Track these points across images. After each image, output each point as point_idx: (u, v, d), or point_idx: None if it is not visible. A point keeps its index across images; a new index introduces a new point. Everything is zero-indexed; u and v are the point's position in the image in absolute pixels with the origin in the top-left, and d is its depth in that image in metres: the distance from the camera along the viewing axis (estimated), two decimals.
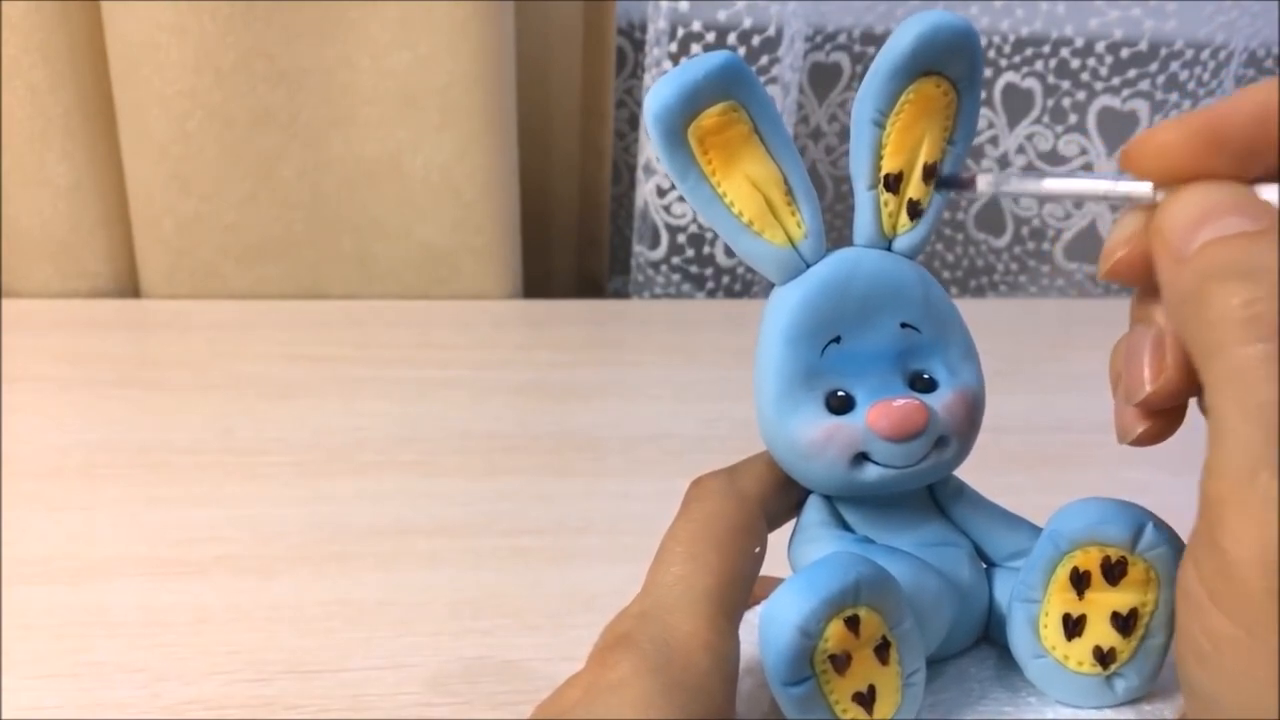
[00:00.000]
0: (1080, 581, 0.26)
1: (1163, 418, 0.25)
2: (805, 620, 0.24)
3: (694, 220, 0.82)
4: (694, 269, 0.84)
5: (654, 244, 0.83)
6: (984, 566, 0.29)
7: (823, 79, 0.87)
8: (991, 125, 0.87)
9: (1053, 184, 0.25)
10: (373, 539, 0.53)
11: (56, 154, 0.76)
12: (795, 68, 0.81)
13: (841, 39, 0.85)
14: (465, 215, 0.79)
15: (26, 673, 0.45)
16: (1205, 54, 0.85)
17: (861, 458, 0.27)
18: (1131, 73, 0.85)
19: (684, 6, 0.76)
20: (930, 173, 0.28)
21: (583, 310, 0.84)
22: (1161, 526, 0.26)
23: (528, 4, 0.80)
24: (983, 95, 0.40)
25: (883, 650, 0.25)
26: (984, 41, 0.84)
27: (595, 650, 0.25)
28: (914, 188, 0.28)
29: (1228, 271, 0.20)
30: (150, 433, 0.62)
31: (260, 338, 0.74)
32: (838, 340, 0.27)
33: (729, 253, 0.83)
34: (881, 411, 0.26)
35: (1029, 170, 0.24)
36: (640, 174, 0.81)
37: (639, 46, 0.85)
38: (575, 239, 0.91)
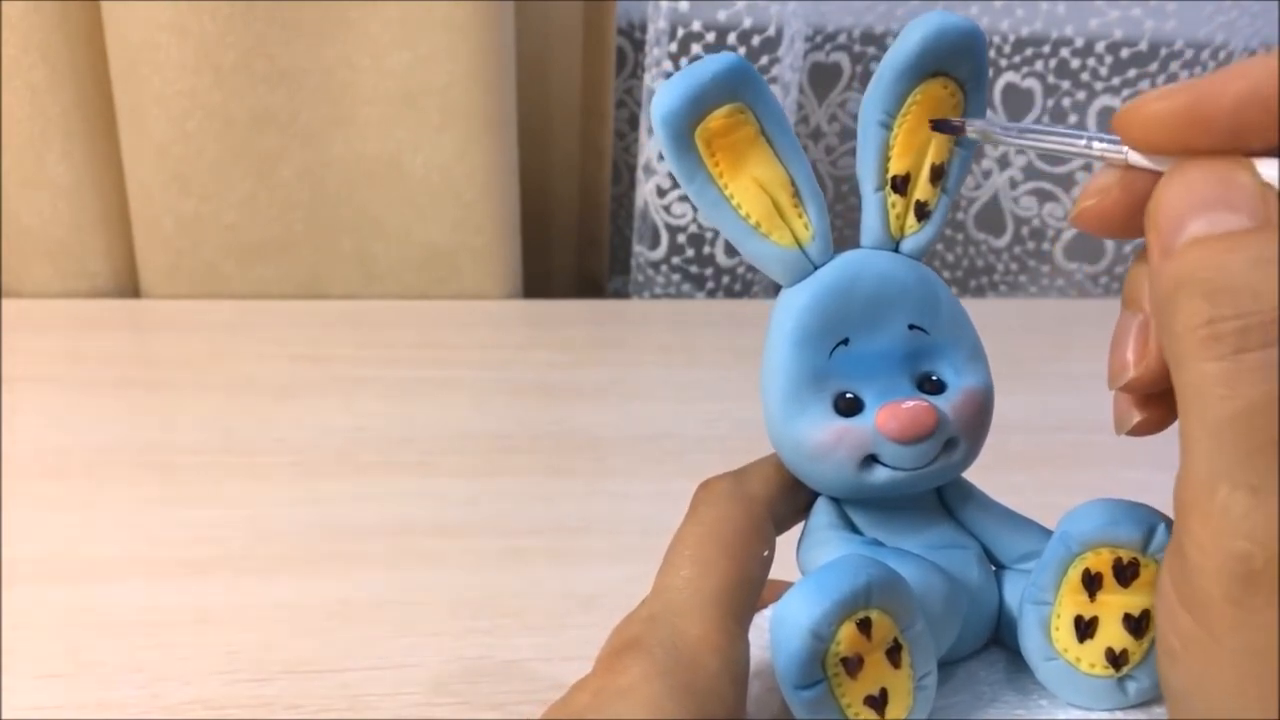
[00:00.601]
0: (1092, 583, 0.26)
1: (1159, 408, 0.25)
2: (817, 623, 0.24)
3: (694, 220, 0.82)
4: (694, 269, 0.84)
5: (654, 244, 0.83)
6: (993, 569, 0.29)
7: (823, 79, 0.87)
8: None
9: (1035, 138, 0.25)
10: (373, 539, 0.53)
11: (56, 154, 0.75)
12: (795, 68, 0.81)
13: (841, 39, 0.85)
14: (465, 215, 0.79)
15: (26, 673, 0.45)
16: (1205, 54, 0.85)
17: (870, 460, 0.27)
18: (1131, 73, 0.85)
19: (684, 6, 0.75)
20: (938, 174, 0.28)
21: (583, 310, 0.84)
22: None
23: (528, 4, 0.80)
24: None
25: (894, 653, 0.25)
26: None
27: (604, 654, 0.25)
28: (921, 189, 0.28)
29: (1197, 286, 0.20)
30: (150, 433, 0.62)
31: (260, 338, 0.74)
32: (846, 342, 0.27)
33: (729, 253, 0.83)
34: (890, 413, 0.26)
35: (1014, 125, 0.25)
36: (640, 174, 0.81)
37: (639, 46, 0.85)
38: (575, 239, 0.91)
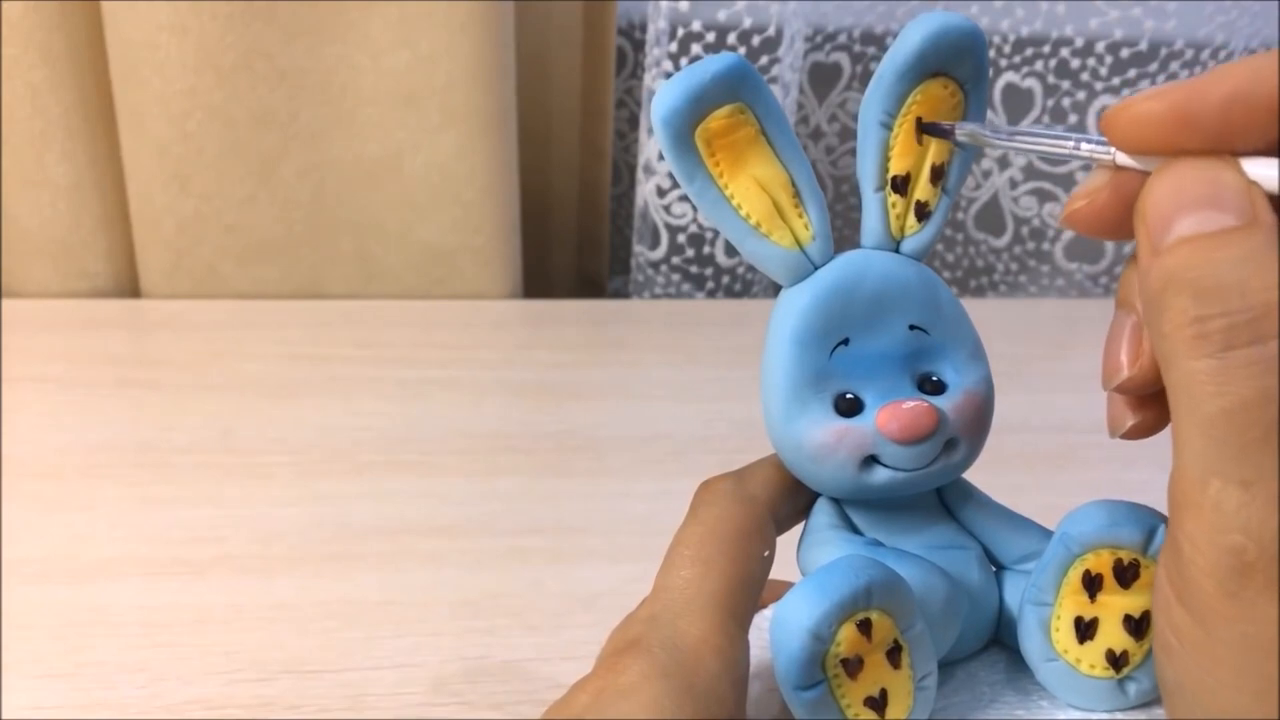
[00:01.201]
0: (1092, 584, 0.26)
1: (1153, 410, 0.25)
2: (817, 624, 0.24)
3: (694, 220, 0.82)
4: (694, 269, 0.84)
5: (654, 244, 0.83)
6: (993, 569, 0.29)
7: (823, 79, 0.87)
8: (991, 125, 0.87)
9: (1024, 140, 0.26)
10: (373, 539, 0.53)
11: (56, 154, 0.75)
12: (795, 68, 0.81)
13: (841, 39, 0.85)
14: (465, 215, 0.79)
15: (26, 673, 0.45)
16: (1205, 54, 0.85)
17: (871, 460, 0.27)
18: (1131, 73, 0.85)
19: (684, 6, 0.75)
20: (938, 174, 0.28)
21: (583, 310, 0.84)
22: None
23: (528, 4, 0.80)
24: None
25: (894, 654, 0.25)
26: None
27: (604, 654, 0.25)
28: (922, 189, 0.28)
29: (1185, 284, 0.21)
30: (150, 433, 0.62)
31: (260, 338, 0.74)
32: (846, 342, 0.27)
33: (729, 253, 0.83)
34: (891, 414, 0.26)
35: (1004, 128, 0.25)
36: (640, 174, 0.81)
37: (639, 46, 0.85)
38: (575, 239, 0.91)
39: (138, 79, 0.73)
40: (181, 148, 0.74)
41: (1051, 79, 0.86)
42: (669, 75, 0.77)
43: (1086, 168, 0.87)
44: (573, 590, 0.51)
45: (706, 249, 0.83)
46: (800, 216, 0.28)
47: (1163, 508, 0.26)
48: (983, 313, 0.30)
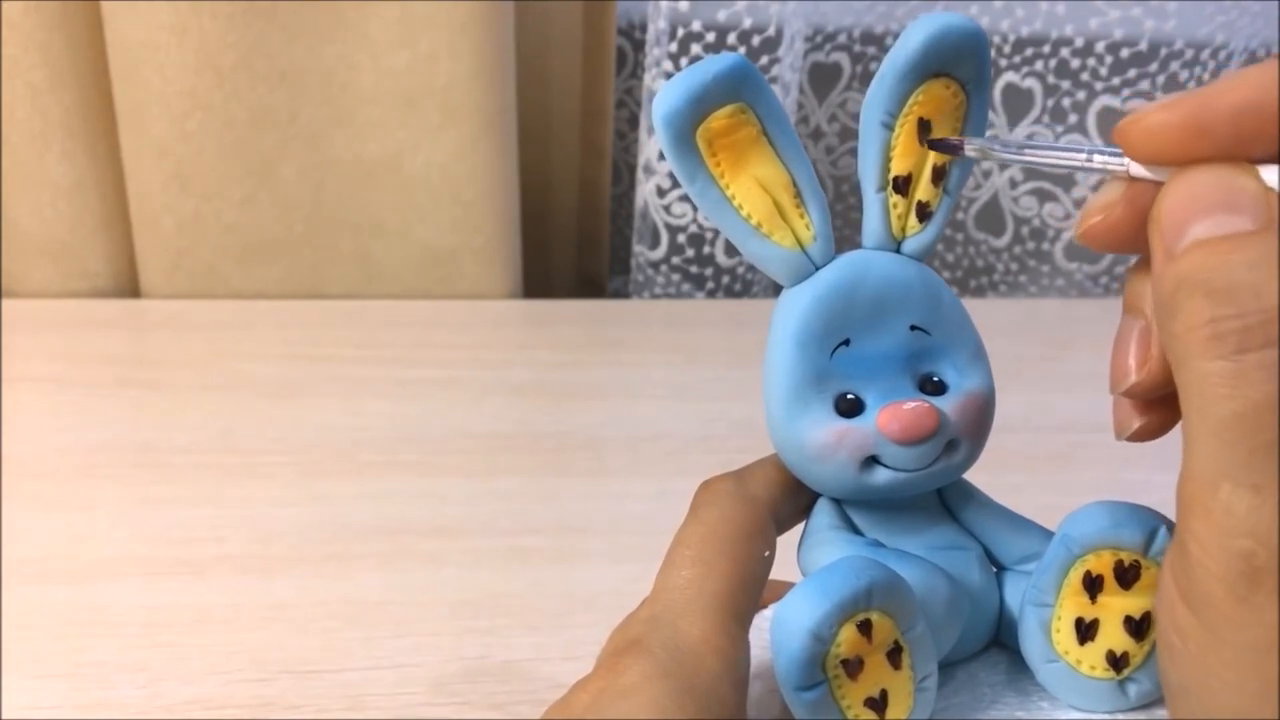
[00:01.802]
0: (1093, 585, 0.26)
1: (1159, 413, 0.25)
2: (818, 625, 0.24)
3: (694, 220, 0.82)
4: (694, 269, 0.84)
5: (654, 244, 0.83)
6: (994, 570, 0.29)
7: (823, 79, 0.87)
8: (992, 125, 0.87)
9: (1034, 154, 0.25)
10: (373, 539, 0.53)
11: (56, 154, 0.75)
12: (795, 68, 0.81)
13: (841, 39, 0.85)
14: (465, 215, 0.79)
15: (26, 673, 0.45)
16: (1205, 54, 0.85)
17: (871, 461, 0.27)
18: (1131, 73, 0.85)
19: (684, 6, 0.75)
20: (939, 175, 0.28)
21: (583, 310, 0.84)
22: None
23: (528, 4, 0.80)
24: None
25: (895, 655, 0.25)
26: None
27: (604, 654, 0.25)
28: (923, 190, 0.28)
29: (1199, 286, 0.21)
30: (150, 433, 0.62)
31: (260, 338, 0.74)
32: (847, 343, 0.27)
33: (729, 252, 0.83)
34: (892, 414, 0.26)
35: (1013, 141, 0.25)
36: (640, 174, 0.81)
37: (639, 46, 0.85)
38: (575, 239, 0.91)
39: (138, 79, 0.73)
40: (181, 148, 0.74)
41: (1051, 79, 0.86)
42: (669, 75, 0.77)
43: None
44: (573, 590, 0.51)
45: (706, 249, 0.83)
46: (801, 217, 0.28)
47: (1165, 509, 0.26)
48: (983, 313, 0.30)
